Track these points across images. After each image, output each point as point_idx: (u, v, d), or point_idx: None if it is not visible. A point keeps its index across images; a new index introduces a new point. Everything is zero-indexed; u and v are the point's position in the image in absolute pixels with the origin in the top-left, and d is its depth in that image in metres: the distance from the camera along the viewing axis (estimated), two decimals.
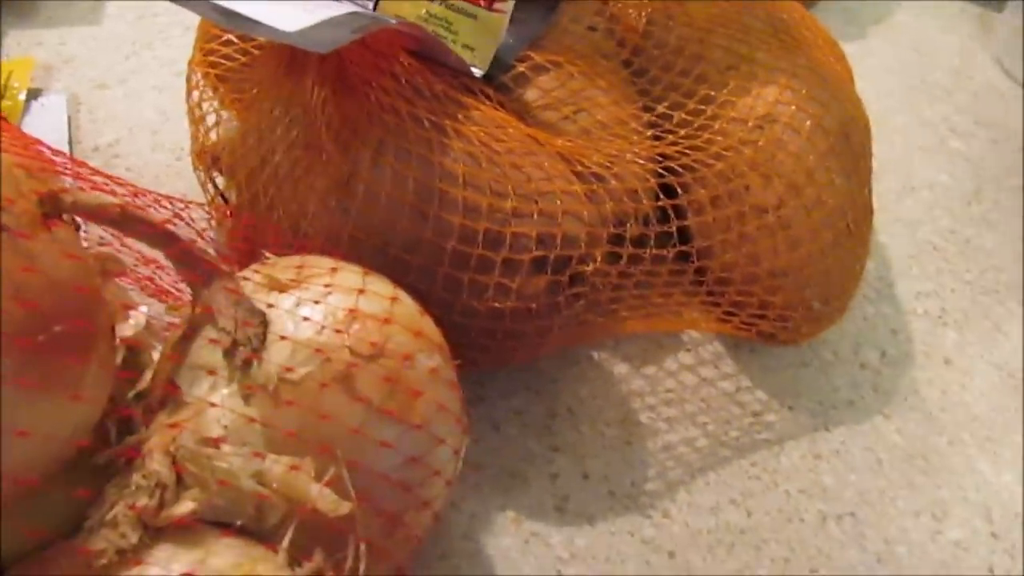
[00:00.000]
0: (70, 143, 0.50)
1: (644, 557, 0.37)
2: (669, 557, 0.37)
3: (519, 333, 0.37)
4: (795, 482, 0.40)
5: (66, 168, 0.33)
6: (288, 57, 0.38)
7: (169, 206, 0.36)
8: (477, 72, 0.40)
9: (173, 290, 0.38)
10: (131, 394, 0.29)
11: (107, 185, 0.33)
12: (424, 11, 0.40)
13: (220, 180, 0.42)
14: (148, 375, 0.30)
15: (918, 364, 0.46)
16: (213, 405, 0.26)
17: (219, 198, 0.41)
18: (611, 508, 0.38)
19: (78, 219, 0.27)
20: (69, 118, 0.51)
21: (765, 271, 0.40)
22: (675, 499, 0.39)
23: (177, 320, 0.31)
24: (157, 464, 0.24)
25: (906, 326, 0.48)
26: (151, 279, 0.38)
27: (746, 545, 0.38)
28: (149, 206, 0.34)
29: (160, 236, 0.27)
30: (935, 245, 0.52)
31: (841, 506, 0.40)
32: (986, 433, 0.43)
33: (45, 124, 0.50)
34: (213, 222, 0.40)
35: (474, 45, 0.40)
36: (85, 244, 0.31)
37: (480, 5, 0.40)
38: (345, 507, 0.26)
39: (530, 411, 0.41)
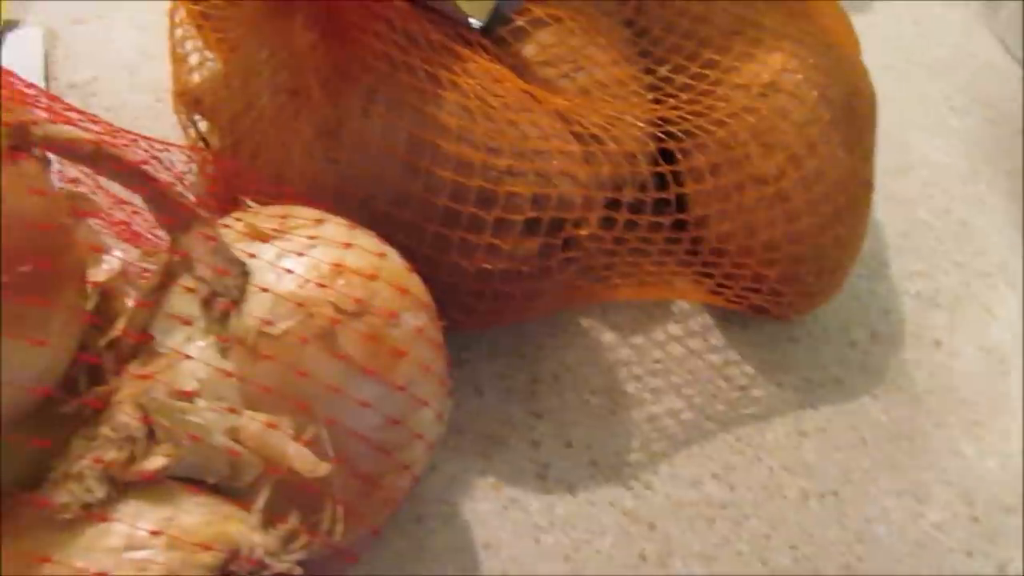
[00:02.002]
0: (46, 79, 0.47)
1: (624, 528, 0.36)
2: (649, 529, 0.37)
3: (507, 295, 0.35)
4: (778, 458, 0.40)
5: (39, 102, 0.31)
6: None
7: (147, 148, 0.34)
8: (475, 24, 0.38)
9: (150, 236, 0.37)
10: (102, 342, 0.28)
11: (82, 123, 0.31)
12: None
13: (202, 123, 0.40)
14: (121, 322, 0.29)
15: (907, 344, 0.45)
16: (188, 357, 0.25)
17: (200, 142, 0.39)
18: (592, 477, 0.38)
19: (50, 156, 0.26)
20: (46, 52, 0.48)
21: (761, 243, 0.39)
22: (657, 471, 0.38)
23: (153, 266, 0.30)
24: (127, 416, 0.23)
25: (897, 306, 0.47)
26: (127, 223, 0.37)
27: (727, 520, 0.37)
28: (127, 145, 0.32)
29: (135, 175, 0.26)
30: (929, 225, 0.52)
31: (823, 484, 0.39)
32: (972, 417, 0.43)
33: (20, 58, 0.48)
34: (193, 166, 0.39)
35: None
36: (57, 183, 0.29)
37: None
38: (323, 468, 0.25)
39: (514, 376, 0.40)
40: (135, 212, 0.37)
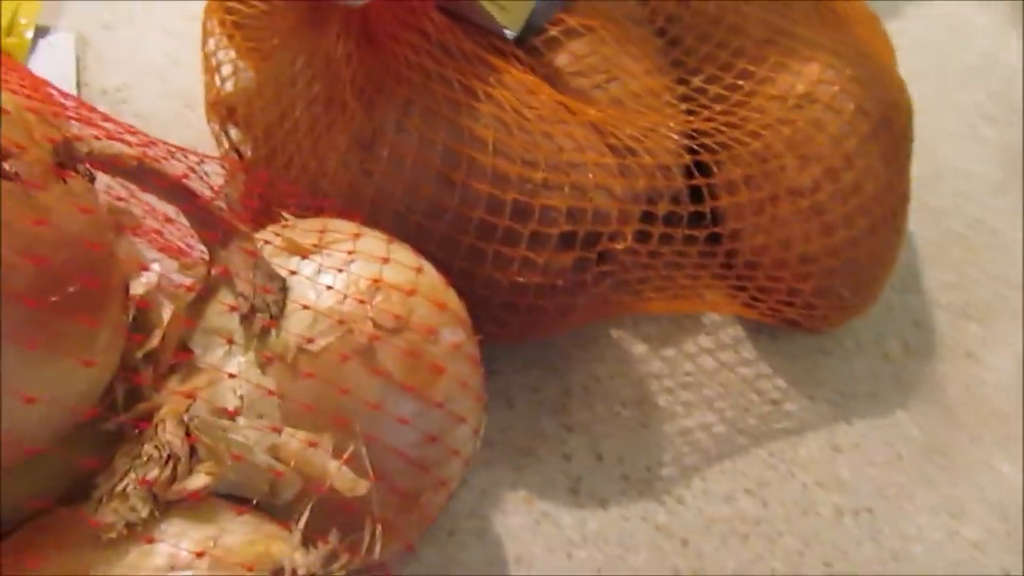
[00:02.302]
0: (77, 86, 0.48)
1: (657, 543, 0.36)
2: (682, 545, 0.36)
3: (541, 309, 0.35)
4: (812, 474, 0.39)
5: (77, 114, 0.31)
6: (310, 6, 0.36)
7: (183, 159, 0.34)
8: (509, 34, 0.38)
9: (183, 245, 0.37)
10: (139, 354, 0.28)
11: (120, 134, 0.31)
12: None
13: (234, 133, 0.40)
14: (157, 334, 0.29)
15: (940, 357, 0.45)
16: (231, 376, 0.24)
17: (233, 152, 0.39)
18: (624, 492, 0.38)
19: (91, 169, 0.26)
20: (77, 58, 0.49)
21: (796, 257, 0.39)
22: (690, 486, 0.38)
23: (189, 280, 0.30)
24: (170, 434, 0.23)
25: (929, 317, 0.47)
26: (160, 232, 0.37)
27: (760, 536, 0.37)
28: (163, 159, 0.32)
29: (177, 190, 0.26)
30: (962, 235, 0.51)
31: (858, 500, 0.39)
32: (1006, 431, 0.42)
33: (52, 64, 0.48)
34: (226, 176, 0.39)
35: (506, 5, 0.38)
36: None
37: None
38: (363, 487, 0.25)
39: (545, 388, 0.40)
40: (168, 221, 0.37)
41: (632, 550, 0.36)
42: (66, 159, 0.22)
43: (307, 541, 0.24)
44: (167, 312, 0.30)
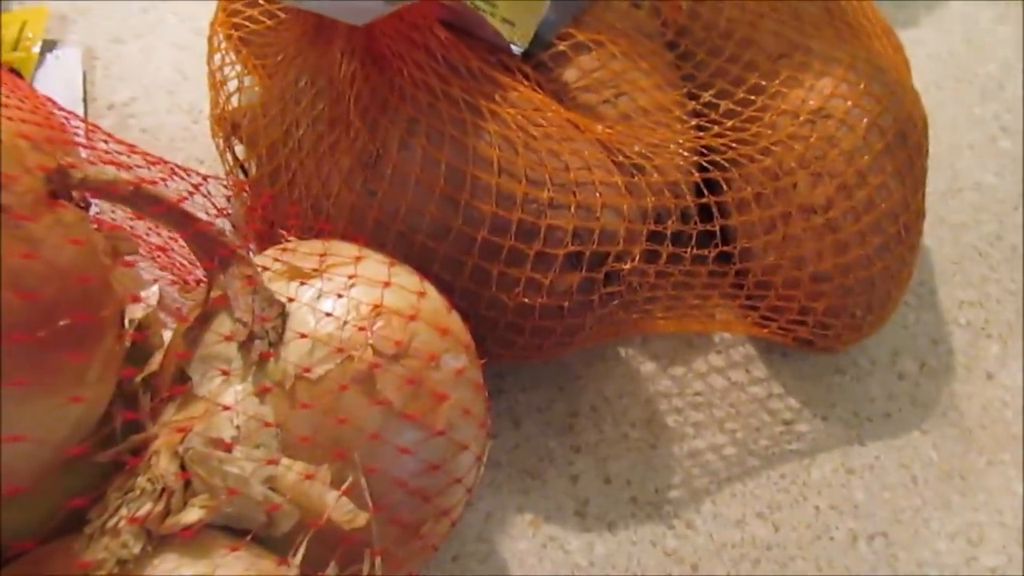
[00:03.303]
0: (84, 100, 0.47)
1: (666, 569, 0.35)
2: (692, 570, 0.36)
3: (548, 330, 0.35)
4: (826, 497, 0.39)
5: (77, 133, 0.31)
6: (315, 23, 0.36)
7: (187, 177, 0.34)
8: (516, 49, 0.37)
9: (186, 262, 0.36)
10: (138, 379, 0.27)
11: (121, 155, 0.31)
12: None
13: (239, 149, 0.40)
14: (157, 358, 0.28)
15: (958, 377, 0.44)
16: (227, 408, 0.24)
17: (237, 169, 0.39)
18: (633, 515, 0.37)
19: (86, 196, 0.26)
20: (84, 73, 0.48)
21: (808, 276, 0.38)
22: (700, 509, 0.37)
23: (189, 303, 0.30)
24: (164, 467, 0.22)
25: (947, 336, 0.46)
26: (164, 249, 0.36)
27: (772, 562, 0.36)
28: (165, 178, 0.32)
29: (176, 216, 0.25)
30: (980, 251, 0.50)
31: (873, 525, 0.38)
32: None
33: (59, 78, 0.48)
34: (230, 194, 0.38)
35: (514, 20, 0.38)
36: (95, 210, 0.29)
37: None
38: (362, 519, 0.24)
39: (552, 408, 0.39)
40: (172, 238, 0.37)
41: None
42: (60, 187, 0.22)
43: (305, 574, 0.24)
44: (167, 335, 0.30)
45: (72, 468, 0.23)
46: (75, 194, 0.23)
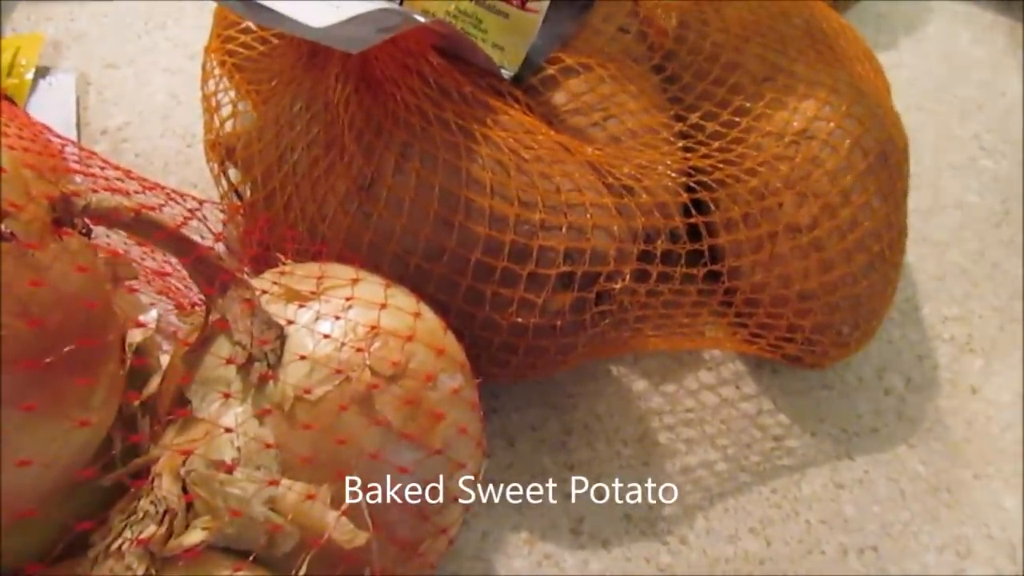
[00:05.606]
0: (78, 126, 0.48)
1: None
2: None
3: (541, 349, 0.35)
4: (816, 512, 0.39)
5: (75, 160, 0.32)
6: (309, 49, 0.37)
7: (182, 202, 0.34)
8: (507, 73, 0.38)
9: (183, 288, 0.37)
10: (137, 402, 0.28)
11: (119, 181, 0.32)
12: (454, 7, 0.38)
13: (233, 173, 0.40)
14: (155, 381, 0.29)
15: (944, 392, 0.45)
16: (227, 430, 0.24)
17: (232, 194, 0.40)
18: (627, 532, 0.37)
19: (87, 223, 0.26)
20: (78, 98, 0.49)
21: (795, 294, 0.38)
22: (693, 525, 0.38)
23: (186, 327, 0.30)
24: (166, 490, 0.23)
25: (932, 352, 0.46)
26: (161, 273, 0.37)
27: None
28: (162, 204, 0.32)
29: (176, 242, 0.26)
30: (963, 268, 0.51)
31: (863, 538, 0.38)
32: (1012, 467, 0.42)
33: (53, 104, 0.48)
34: (225, 219, 0.39)
35: (504, 45, 0.39)
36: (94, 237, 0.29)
37: (512, 4, 0.38)
38: (361, 538, 0.25)
39: (545, 426, 0.40)
40: (167, 261, 0.37)
41: None
42: (64, 215, 0.22)
43: None
44: (165, 359, 0.30)
45: (75, 491, 0.24)
46: (77, 221, 0.24)
